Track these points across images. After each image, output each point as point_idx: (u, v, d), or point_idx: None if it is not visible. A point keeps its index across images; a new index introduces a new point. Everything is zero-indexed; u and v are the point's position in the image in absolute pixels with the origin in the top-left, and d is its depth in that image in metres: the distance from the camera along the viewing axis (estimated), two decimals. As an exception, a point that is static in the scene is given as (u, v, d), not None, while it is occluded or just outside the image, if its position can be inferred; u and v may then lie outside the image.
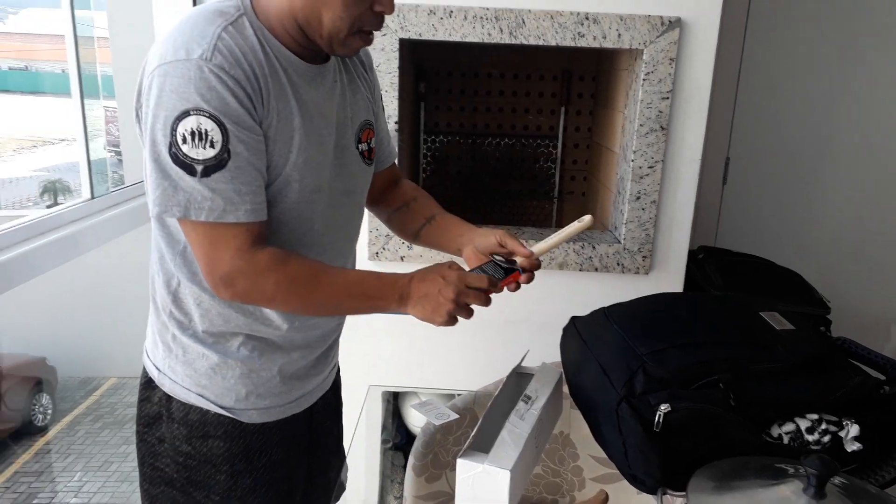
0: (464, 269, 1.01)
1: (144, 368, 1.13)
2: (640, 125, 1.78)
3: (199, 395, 1.07)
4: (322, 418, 1.24)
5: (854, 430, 0.96)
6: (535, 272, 1.08)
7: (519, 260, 1.07)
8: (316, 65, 1.04)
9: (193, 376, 1.07)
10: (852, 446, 0.96)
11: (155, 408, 1.10)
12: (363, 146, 1.14)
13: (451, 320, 0.99)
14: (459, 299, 0.97)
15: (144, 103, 0.94)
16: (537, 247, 1.09)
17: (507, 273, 1.04)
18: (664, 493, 0.95)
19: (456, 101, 2.50)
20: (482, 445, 0.95)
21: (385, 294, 1.00)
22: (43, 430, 5.46)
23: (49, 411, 5.55)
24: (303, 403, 1.17)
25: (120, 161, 5.55)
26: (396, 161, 1.30)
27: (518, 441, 0.96)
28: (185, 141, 0.90)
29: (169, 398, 1.08)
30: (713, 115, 1.94)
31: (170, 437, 1.09)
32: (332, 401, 1.29)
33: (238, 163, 0.92)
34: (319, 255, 1.08)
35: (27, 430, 5.37)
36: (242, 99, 0.92)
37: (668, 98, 1.76)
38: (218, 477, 1.09)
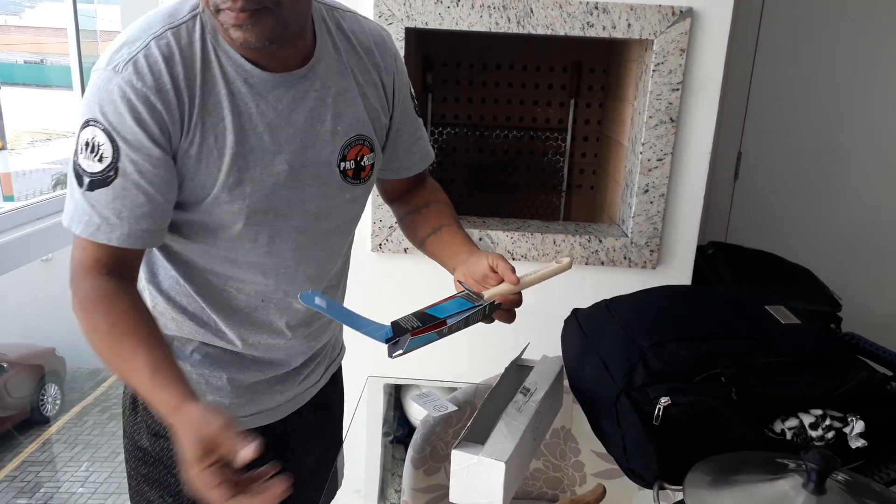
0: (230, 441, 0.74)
1: None
2: (650, 117, 1.75)
3: None
4: (297, 441, 1.19)
5: (859, 426, 0.94)
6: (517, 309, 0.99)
7: (490, 292, 0.97)
8: (278, 73, 0.93)
9: None
10: (857, 443, 0.94)
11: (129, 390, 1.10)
12: (348, 164, 1.03)
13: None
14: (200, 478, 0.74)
15: None
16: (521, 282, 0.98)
17: (470, 308, 0.94)
18: (661, 487, 0.93)
19: (464, 92, 2.48)
20: (478, 437, 0.93)
21: (151, 404, 0.85)
22: (51, 421, 5.51)
23: (58, 401, 5.59)
24: (259, 420, 1.12)
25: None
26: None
27: (514, 433, 0.94)
28: (81, 150, 0.87)
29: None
30: (725, 109, 1.91)
31: (130, 431, 1.10)
32: (310, 420, 1.22)
33: (125, 184, 0.87)
34: (286, 283, 1.03)
35: (35, 420, 5.42)
36: (144, 118, 0.86)
37: (678, 90, 1.73)
38: (169, 479, 1.07)
